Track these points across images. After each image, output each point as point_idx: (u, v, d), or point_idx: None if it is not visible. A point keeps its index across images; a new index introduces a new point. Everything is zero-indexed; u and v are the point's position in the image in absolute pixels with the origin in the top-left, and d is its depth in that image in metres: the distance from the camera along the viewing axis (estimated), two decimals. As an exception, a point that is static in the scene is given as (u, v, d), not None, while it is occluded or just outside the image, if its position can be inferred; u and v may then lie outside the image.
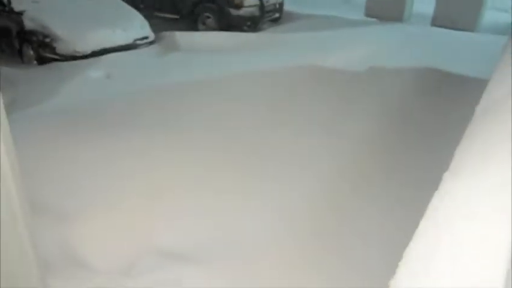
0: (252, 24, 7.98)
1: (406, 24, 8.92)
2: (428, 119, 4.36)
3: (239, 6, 7.76)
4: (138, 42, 6.24)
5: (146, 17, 6.81)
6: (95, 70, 5.14)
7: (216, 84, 4.89)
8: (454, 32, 8.10)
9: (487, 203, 1.17)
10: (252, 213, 2.87)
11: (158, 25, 7.14)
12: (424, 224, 1.19)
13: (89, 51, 5.59)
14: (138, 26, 6.41)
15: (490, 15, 9.12)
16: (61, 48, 5.47)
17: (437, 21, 8.69)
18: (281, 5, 8.77)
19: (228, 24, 7.77)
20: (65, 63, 5.36)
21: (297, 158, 3.54)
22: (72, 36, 5.52)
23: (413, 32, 8.01)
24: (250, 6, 7.85)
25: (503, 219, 1.06)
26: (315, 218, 2.88)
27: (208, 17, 7.95)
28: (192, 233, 2.70)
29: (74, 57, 5.47)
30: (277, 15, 8.67)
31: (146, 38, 6.39)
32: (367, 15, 9.26)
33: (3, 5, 5.89)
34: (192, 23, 8.03)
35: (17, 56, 6.01)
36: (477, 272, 0.93)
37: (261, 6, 7.99)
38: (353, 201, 3.05)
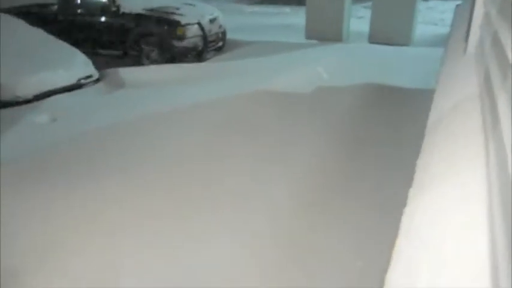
0: (196, 54, 8.01)
1: (346, 43, 9.26)
2: (380, 132, 4.51)
3: (182, 38, 7.77)
4: (82, 81, 6.08)
5: (88, 54, 6.68)
6: (39, 114, 4.95)
7: (165, 118, 4.85)
8: (390, 48, 8.50)
9: (457, 214, 1.21)
10: (208, 249, 2.82)
11: (102, 62, 7.01)
12: (399, 244, 1.21)
13: (31, 95, 5.38)
14: (80, 65, 6.26)
15: (420, 29, 9.66)
16: (1, 94, 5.24)
17: (373, 38, 9.10)
18: (224, 33, 8.88)
19: (172, 56, 7.76)
20: (7, 109, 5.12)
21: (252, 185, 3.53)
22: (12, 81, 5.31)
23: (353, 50, 8.33)
24: (193, 37, 7.88)
25: (476, 227, 1.09)
26: (271, 248, 2.87)
27: (152, 51, 7.90)
28: (153, 277, 2.62)
29: (15, 103, 5.25)
30: (220, 44, 8.75)
31: (90, 76, 6.24)
32: (308, 38, 9.55)
33: None
34: (136, 57, 7.95)
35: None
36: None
37: (204, 36, 8.05)
38: (310, 227, 3.06)
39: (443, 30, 9.05)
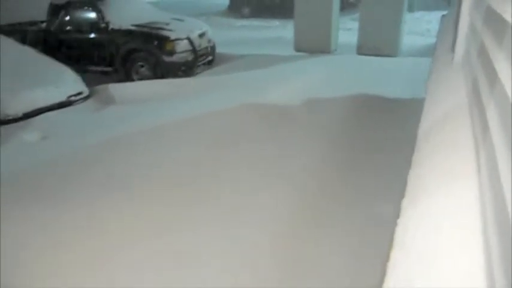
0: (186, 69, 8.02)
1: (334, 55, 9.34)
2: (371, 142, 4.54)
3: (172, 53, 7.80)
4: (73, 98, 6.05)
5: (78, 71, 6.67)
6: (30, 133, 4.90)
7: (157, 133, 4.82)
8: (378, 58, 8.58)
9: (451, 224, 1.21)
10: (201, 265, 2.80)
11: (91, 79, 7.00)
12: (394, 257, 1.21)
13: (20, 114, 5.34)
14: (70, 81, 6.24)
15: (407, 40, 9.79)
16: (-10, 112, 5.20)
17: (362, 49, 9.20)
18: (213, 47, 8.92)
19: (162, 71, 7.77)
20: (-4, 127, 5.08)
21: (247, 199, 3.52)
22: (1, 99, 5.27)
23: (342, 62, 8.40)
24: (182, 51, 7.91)
25: (470, 237, 1.10)
26: (267, 260, 2.86)
27: (142, 66, 7.91)
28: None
29: (5, 122, 5.20)
30: (210, 58, 8.79)
31: (80, 93, 6.22)
32: (297, 50, 9.63)
33: None
34: (126, 73, 7.95)
35: None
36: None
37: (194, 51, 8.07)
38: (306, 238, 3.06)
39: (430, 40, 9.18)
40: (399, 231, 1.33)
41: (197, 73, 8.28)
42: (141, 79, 7.80)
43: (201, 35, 8.43)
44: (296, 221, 3.25)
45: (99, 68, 8.06)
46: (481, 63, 1.89)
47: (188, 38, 8.00)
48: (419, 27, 12.37)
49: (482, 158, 1.37)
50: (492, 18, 1.74)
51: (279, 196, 3.54)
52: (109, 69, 8.05)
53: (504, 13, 1.46)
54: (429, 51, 6.20)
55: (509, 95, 1.12)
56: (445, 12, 7.37)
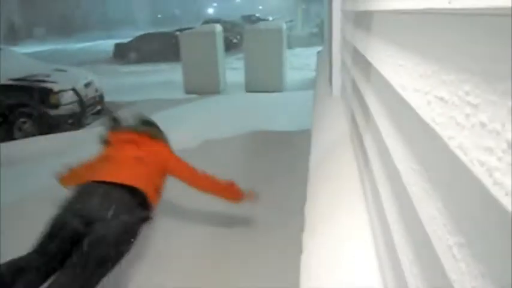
0: (74, 121, 7.66)
1: (224, 94, 9.61)
2: (268, 177, 4.69)
3: (56, 105, 7.42)
4: None
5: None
6: None
7: (47, 197, 4.51)
8: (266, 95, 9.00)
9: (348, 252, 1.32)
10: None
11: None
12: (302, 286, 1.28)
13: None
14: None
15: (290, 75, 10.44)
16: None
17: (249, 87, 9.60)
18: (101, 96, 8.66)
19: (49, 125, 7.32)
20: None
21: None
22: None
23: (232, 101, 8.67)
24: (68, 103, 7.56)
25: (367, 262, 1.21)
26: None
27: (24, 122, 7.41)
28: None
29: None
30: (98, 107, 8.52)
31: (-46, 159, 5.64)
32: (187, 92, 9.75)
33: None
34: (6, 131, 7.37)
35: None
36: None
37: (81, 101, 7.77)
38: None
39: (310, 74, 9.87)
40: (304, 264, 1.41)
41: (87, 124, 7.97)
42: (25, 136, 7.27)
43: (87, 85, 8.17)
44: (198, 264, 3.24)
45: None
46: (355, 96, 2.10)
47: (73, 89, 7.70)
48: (299, 62, 13.27)
49: (367, 186, 1.52)
50: (359, 58, 1.96)
51: (187, 239, 3.51)
52: (-14, 128, 7.42)
53: (367, 55, 1.67)
54: (310, 85, 6.67)
55: (380, 128, 1.28)
56: (320, 48, 8.02)
